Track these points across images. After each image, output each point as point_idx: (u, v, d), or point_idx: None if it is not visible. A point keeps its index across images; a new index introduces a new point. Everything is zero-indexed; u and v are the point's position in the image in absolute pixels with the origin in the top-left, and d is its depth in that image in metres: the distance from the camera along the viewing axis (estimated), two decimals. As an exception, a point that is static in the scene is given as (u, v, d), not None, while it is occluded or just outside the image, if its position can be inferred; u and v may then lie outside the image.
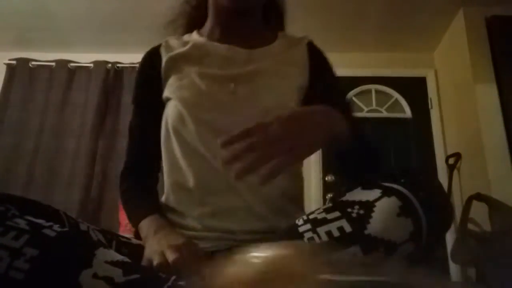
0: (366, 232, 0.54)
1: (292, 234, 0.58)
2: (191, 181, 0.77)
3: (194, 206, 0.76)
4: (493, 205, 1.65)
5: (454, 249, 1.68)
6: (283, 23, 1.00)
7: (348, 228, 0.55)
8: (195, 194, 0.76)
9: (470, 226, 1.75)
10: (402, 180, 0.59)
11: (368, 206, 0.56)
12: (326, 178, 2.75)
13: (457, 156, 2.56)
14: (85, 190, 2.67)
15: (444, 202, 0.60)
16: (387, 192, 0.57)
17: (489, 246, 1.54)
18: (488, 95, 2.37)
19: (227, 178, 0.74)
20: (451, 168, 2.57)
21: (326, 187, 2.74)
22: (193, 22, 0.97)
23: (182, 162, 0.79)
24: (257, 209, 0.74)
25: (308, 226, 0.57)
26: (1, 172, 2.75)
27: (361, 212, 0.55)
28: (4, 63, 3.04)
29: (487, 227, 1.70)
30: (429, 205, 0.56)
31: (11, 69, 3.03)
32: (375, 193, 0.58)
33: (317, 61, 0.90)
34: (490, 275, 1.47)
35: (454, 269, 2.41)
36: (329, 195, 2.70)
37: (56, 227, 0.54)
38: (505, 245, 1.49)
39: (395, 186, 0.58)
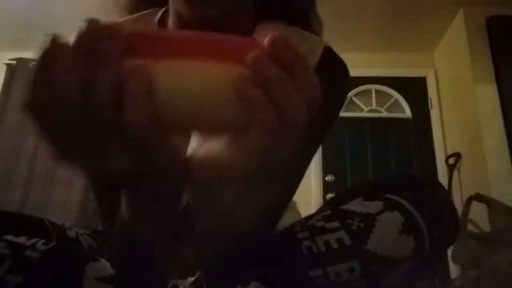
0: (365, 247, 0.51)
1: (290, 239, 0.55)
2: None
3: None
4: (493, 206, 1.65)
5: (455, 250, 1.68)
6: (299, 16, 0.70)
7: (347, 241, 0.52)
8: None
9: (470, 227, 1.75)
10: (406, 193, 0.55)
11: (369, 220, 0.53)
12: (326, 178, 2.75)
13: (457, 156, 2.56)
14: (85, 190, 2.67)
15: (449, 218, 0.57)
16: (389, 206, 0.54)
17: (489, 246, 1.54)
18: (488, 95, 2.37)
19: None
20: (451, 168, 2.57)
21: (326, 187, 2.74)
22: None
23: None
24: None
25: (306, 233, 0.55)
26: (1, 172, 2.75)
27: (362, 225, 0.53)
28: (4, 63, 3.04)
29: (486, 227, 1.70)
30: (433, 222, 0.53)
31: (11, 69, 3.03)
32: (377, 205, 0.54)
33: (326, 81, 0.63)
34: (490, 276, 1.47)
35: (454, 269, 2.41)
36: (329, 195, 2.70)
37: (40, 244, 0.49)
38: (505, 245, 1.49)
39: (398, 199, 0.55)
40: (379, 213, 0.53)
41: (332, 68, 0.63)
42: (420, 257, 0.53)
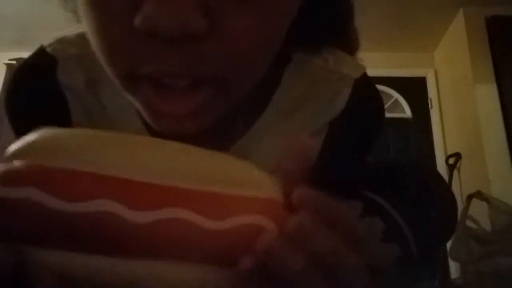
0: None
1: None
2: None
3: None
4: (493, 204, 1.65)
5: (454, 247, 1.67)
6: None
7: None
8: None
9: (470, 224, 1.75)
10: (388, 190, 0.49)
11: None
12: (326, 178, 2.76)
13: (457, 156, 2.56)
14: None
15: (442, 214, 0.52)
16: (368, 210, 0.46)
17: (489, 246, 1.54)
18: (488, 95, 2.37)
19: None
20: (451, 168, 2.57)
21: (326, 187, 2.74)
22: None
23: None
24: None
25: None
26: (1, 172, 2.75)
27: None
28: (4, 63, 3.04)
29: (487, 226, 1.70)
30: (421, 223, 0.48)
31: (11, 69, 3.03)
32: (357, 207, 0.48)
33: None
34: (490, 275, 1.47)
35: (453, 267, 2.41)
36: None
37: None
38: (505, 245, 1.49)
39: (379, 200, 0.48)
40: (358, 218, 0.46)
41: (361, 110, 0.51)
42: (408, 262, 0.49)
